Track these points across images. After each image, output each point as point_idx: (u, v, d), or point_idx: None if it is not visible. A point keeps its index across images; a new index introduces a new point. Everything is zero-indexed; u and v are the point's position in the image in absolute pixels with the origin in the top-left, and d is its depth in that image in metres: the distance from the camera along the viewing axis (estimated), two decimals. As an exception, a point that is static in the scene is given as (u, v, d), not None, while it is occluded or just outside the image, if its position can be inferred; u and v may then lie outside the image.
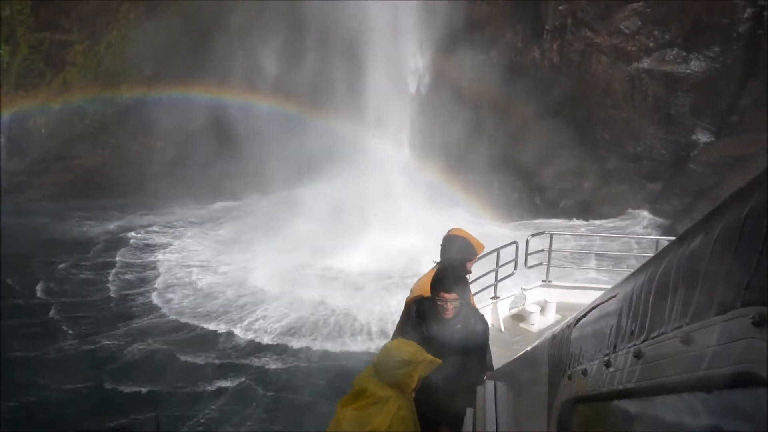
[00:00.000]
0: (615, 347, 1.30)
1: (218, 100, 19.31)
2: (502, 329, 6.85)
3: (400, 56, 16.46)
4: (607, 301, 1.50)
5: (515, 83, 16.05)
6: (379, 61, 15.99)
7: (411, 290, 4.25)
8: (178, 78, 19.30)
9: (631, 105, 15.69)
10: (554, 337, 2.04)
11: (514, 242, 7.22)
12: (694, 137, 15.63)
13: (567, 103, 15.89)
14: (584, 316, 1.70)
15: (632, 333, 1.20)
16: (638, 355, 1.14)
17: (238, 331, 11.68)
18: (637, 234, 9.95)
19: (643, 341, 1.13)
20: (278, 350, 11.09)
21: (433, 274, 3.95)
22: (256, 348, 11.18)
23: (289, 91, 18.32)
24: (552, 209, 16.75)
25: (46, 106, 19.45)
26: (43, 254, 15.98)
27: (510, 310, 7.26)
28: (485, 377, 3.72)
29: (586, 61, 15.62)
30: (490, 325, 5.52)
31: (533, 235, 7.58)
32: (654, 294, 1.13)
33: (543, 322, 6.98)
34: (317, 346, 11.12)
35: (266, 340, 11.31)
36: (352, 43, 15.82)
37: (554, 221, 16.38)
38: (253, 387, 10.07)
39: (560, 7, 15.43)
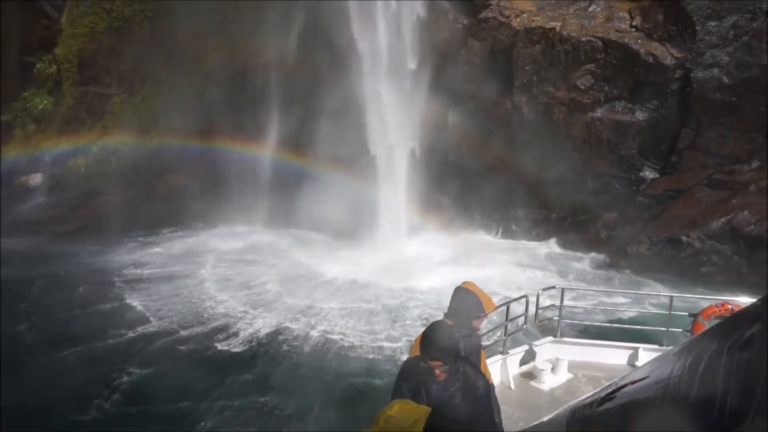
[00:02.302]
0: None
1: (230, 150, 22.27)
2: (512, 387, 6.57)
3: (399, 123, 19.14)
4: (636, 382, 1.37)
5: (492, 129, 19.15)
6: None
7: (412, 348, 4.14)
8: (198, 129, 22.26)
9: (588, 148, 18.70)
10: (575, 412, 1.88)
11: (525, 296, 7.22)
12: (642, 174, 18.60)
13: (535, 146, 18.87)
14: (611, 396, 1.55)
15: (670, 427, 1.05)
16: None
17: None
18: (654, 292, 10.02)
19: None
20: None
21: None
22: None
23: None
24: (526, 235, 19.48)
25: (86, 148, 22.30)
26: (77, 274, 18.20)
27: (520, 366, 7.07)
28: None
29: (550, 111, 18.76)
30: (498, 382, 5.42)
31: (544, 290, 7.62)
32: (698, 387, 1.01)
33: (554, 381, 6.75)
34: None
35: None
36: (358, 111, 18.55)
37: (531, 243, 19.11)
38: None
39: (527, 68, 18.71)
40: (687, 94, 17.62)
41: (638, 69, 18.03)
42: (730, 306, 7.84)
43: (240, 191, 21.92)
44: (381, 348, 12.03)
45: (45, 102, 23.67)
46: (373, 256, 17.42)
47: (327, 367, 11.38)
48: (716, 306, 7.89)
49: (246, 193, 21.72)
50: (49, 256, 19.58)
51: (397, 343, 12.35)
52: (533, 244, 19.20)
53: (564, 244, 18.99)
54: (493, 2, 18.94)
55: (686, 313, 7.98)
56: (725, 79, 17.14)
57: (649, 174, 18.58)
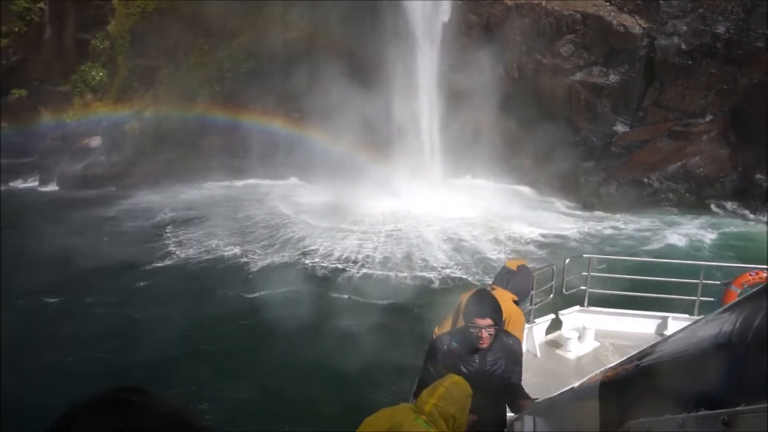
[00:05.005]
0: (695, 407, 1.10)
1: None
2: (538, 355, 6.61)
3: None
4: (673, 347, 1.31)
5: (488, 92, 22.46)
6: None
7: (438, 327, 4.06)
8: (235, 99, 25.66)
9: (569, 107, 21.99)
10: (606, 380, 1.75)
11: (551, 265, 7.23)
12: (614, 128, 21.90)
13: (524, 106, 22.19)
14: (644, 359, 1.48)
15: (719, 396, 1.01)
16: (729, 424, 0.98)
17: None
18: (683, 260, 9.48)
19: (735, 409, 0.96)
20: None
21: (463, 307, 3.70)
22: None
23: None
24: (519, 182, 22.99)
25: (140, 114, 25.94)
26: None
27: (546, 335, 7.04)
28: (523, 407, 3.49)
29: (537, 76, 22.03)
30: (525, 351, 5.18)
31: (571, 259, 7.57)
32: (750, 350, 0.95)
33: (581, 349, 6.73)
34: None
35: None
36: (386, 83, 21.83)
37: (521, 187, 22.70)
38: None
39: (517, 38, 21.94)
40: (652, 59, 20.78)
41: (611, 38, 21.18)
42: (765, 274, 7.56)
43: (265, 151, 25.24)
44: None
45: (101, 74, 27.31)
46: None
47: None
48: (750, 274, 7.58)
49: (275, 152, 25.17)
50: (110, 203, 23.40)
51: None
52: (523, 187, 22.80)
53: (550, 190, 22.50)
54: (488, -19, 22.05)
55: (718, 282, 7.76)
56: (683, 46, 20.27)
57: (620, 128, 21.87)
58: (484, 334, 3.41)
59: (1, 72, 27.46)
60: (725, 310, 1.12)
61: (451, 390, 2.48)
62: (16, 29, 27.04)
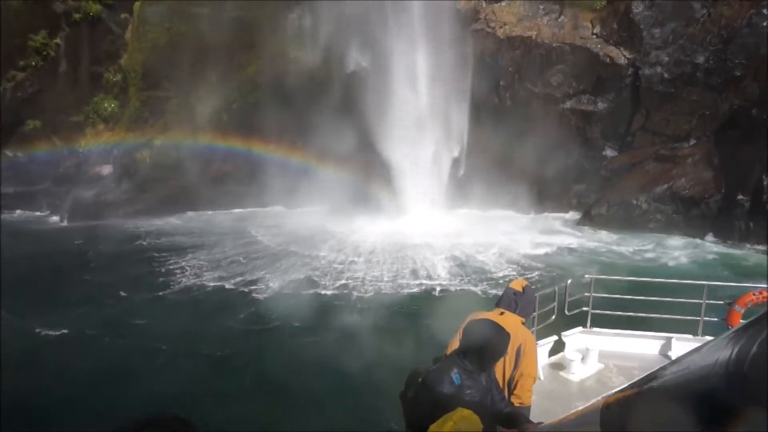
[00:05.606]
0: None
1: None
2: (541, 377, 6.56)
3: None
4: (677, 372, 1.30)
5: (484, 118, 23.64)
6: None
7: (449, 348, 3.85)
8: (240, 130, 26.83)
9: (560, 132, 23.14)
10: (608, 405, 1.72)
11: (554, 287, 7.20)
12: (604, 153, 23.03)
13: (518, 132, 23.32)
14: (647, 385, 1.44)
15: (725, 423, 0.99)
16: None
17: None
18: (685, 280, 9.29)
19: None
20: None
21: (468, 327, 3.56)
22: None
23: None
24: (513, 205, 23.97)
25: (150, 142, 27.08)
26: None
27: (549, 357, 7.03)
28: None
29: (529, 103, 23.24)
30: None
31: (573, 280, 7.55)
32: (748, 374, 0.95)
33: (584, 371, 6.70)
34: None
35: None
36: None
37: (510, 212, 23.65)
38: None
39: (509, 69, 23.21)
40: (637, 87, 21.99)
41: (598, 68, 22.45)
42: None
43: (274, 179, 26.29)
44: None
45: (113, 105, 28.56)
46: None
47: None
48: (753, 294, 7.51)
49: (283, 180, 26.11)
50: (118, 229, 24.29)
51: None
52: (512, 212, 23.77)
53: (543, 210, 23.50)
54: (481, 16, 23.44)
55: (721, 302, 7.64)
56: (666, 75, 21.51)
57: (609, 152, 22.99)
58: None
59: (18, 103, 28.73)
60: (732, 334, 1.09)
61: (461, 425, 2.44)
62: (33, 63, 28.40)
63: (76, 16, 27.83)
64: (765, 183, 18.62)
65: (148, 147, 27.04)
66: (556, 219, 22.95)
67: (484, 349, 3.39)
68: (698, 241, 19.72)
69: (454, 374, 3.31)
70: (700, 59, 21.01)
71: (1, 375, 10.53)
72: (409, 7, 22.13)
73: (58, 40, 28.33)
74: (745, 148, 19.42)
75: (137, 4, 27.98)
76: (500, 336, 3.43)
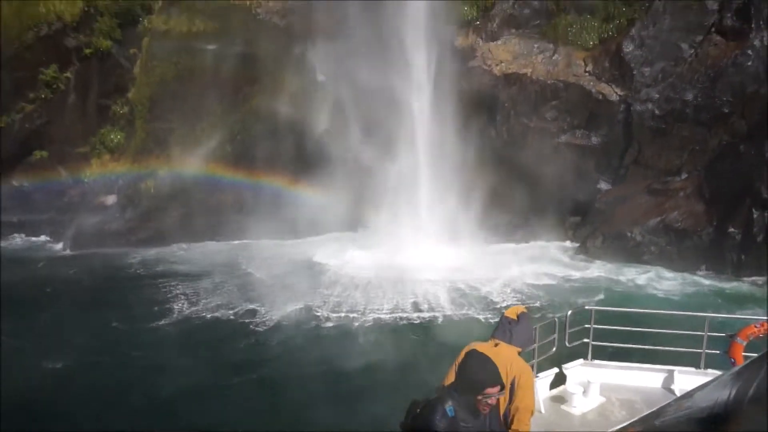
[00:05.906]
0: None
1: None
2: (542, 411, 6.46)
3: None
4: (681, 409, 1.30)
5: (480, 151, 24.24)
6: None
7: (445, 380, 3.84)
8: (245, 159, 27.42)
9: (555, 166, 23.72)
10: None
11: (554, 318, 7.18)
12: (598, 186, 23.57)
13: (514, 166, 23.91)
14: (652, 422, 1.47)
15: None
16: None
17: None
18: (686, 312, 9.44)
19: None
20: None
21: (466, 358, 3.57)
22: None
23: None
24: (510, 236, 24.35)
25: (154, 173, 27.62)
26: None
27: (550, 390, 6.97)
28: None
29: (524, 137, 23.92)
30: None
31: (573, 311, 7.52)
32: (746, 415, 0.97)
33: (586, 405, 6.62)
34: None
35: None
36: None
37: (509, 245, 24.00)
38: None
39: (506, 104, 23.97)
40: (629, 123, 22.70)
41: (591, 104, 23.21)
42: None
43: (276, 209, 26.70)
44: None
45: (119, 136, 29.23)
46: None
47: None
48: (755, 326, 7.48)
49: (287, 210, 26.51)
50: (120, 259, 24.65)
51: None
52: (514, 245, 24.11)
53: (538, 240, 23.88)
54: (478, 54, 24.34)
55: (723, 334, 7.64)
56: (657, 111, 22.24)
57: (603, 185, 23.54)
58: (493, 400, 3.43)
59: (26, 134, 29.40)
60: (732, 374, 1.07)
61: None
62: (43, 96, 29.19)
63: (87, 51, 28.72)
64: (755, 216, 19.08)
65: (152, 177, 27.53)
66: (551, 249, 23.30)
67: (473, 382, 3.42)
68: (691, 275, 20.04)
69: (448, 407, 3.32)
70: (689, 96, 21.77)
71: (1, 400, 10.72)
72: (410, 42, 23.04)
73: (68, 74, 29.17)
74: (734, 181, 19.97)
75: (146, 39, 28.95)
76: (486, 369, 3.45)
